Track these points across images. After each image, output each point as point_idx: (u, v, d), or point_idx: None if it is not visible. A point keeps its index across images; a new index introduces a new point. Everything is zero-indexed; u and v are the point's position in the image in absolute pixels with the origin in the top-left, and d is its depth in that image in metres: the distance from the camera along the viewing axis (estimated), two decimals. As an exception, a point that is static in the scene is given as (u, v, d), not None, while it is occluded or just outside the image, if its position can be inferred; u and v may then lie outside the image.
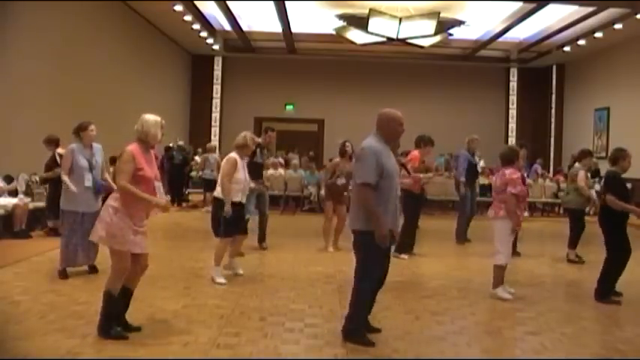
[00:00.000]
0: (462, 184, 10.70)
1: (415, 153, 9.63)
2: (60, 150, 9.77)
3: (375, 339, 4.95)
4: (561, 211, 14.65)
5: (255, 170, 8.96)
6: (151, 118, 5.00)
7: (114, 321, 4.82)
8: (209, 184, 15.17)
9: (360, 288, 4.93)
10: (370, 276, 4.92)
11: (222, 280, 7.00)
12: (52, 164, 9.84)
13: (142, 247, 4.87)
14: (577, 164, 9.75)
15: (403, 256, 8.97)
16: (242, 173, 7.23)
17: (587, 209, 9.89)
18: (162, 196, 5.06)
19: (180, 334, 4.94)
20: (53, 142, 9.83)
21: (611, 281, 6.78)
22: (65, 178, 7.09)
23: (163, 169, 15.26)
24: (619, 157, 6.95)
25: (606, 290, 6.75)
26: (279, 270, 7.93)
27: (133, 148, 4.89)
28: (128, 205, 4.80)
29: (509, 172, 6.84)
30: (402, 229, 9.02)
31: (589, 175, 10.21)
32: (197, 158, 18.23)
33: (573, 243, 9.31)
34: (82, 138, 7.18)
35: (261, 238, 9.65)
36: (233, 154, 7.28)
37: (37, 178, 10.15)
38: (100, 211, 5.02)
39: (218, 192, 7.21)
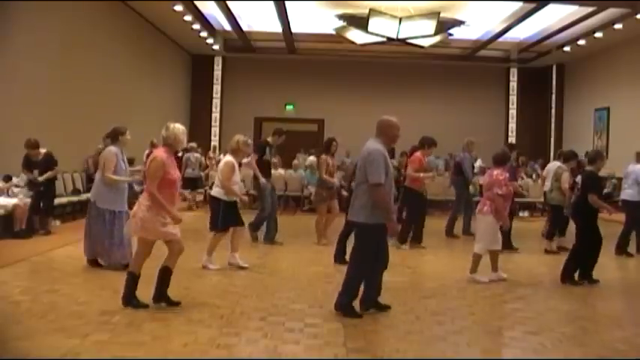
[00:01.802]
0: (473, 185, 11.27)
1: (418, 154, 9.70)
2: (42, 150, 10.03)
3: (375, 339, 4.99)
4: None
5: (266, 168, 9.76)
6: (180, 126, 5.67)
7: (134, 295, 5.56)
8: (190, 183, 15.18)
9: (358, 271, 5.58)
10: (366, 262, 5.56)
11: (216, 266, 7.56)
12: (49, 165, 10.07)
13: (172, 234, 5.55)
14: (556, 162, 10.12)
15: (404, 246, 9.57)
16: (237, 175, 7.74)
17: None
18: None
19: (179, 334, 4.94)
20: (36, 145, 9.99)
21: (578, 264, 7.31)
22: (115, 177, 7.28)
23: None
24: (597, 158, 7.56)
25: (571, 272, 7.28)
26: (279, 270, 7.94)
27: (161, 154, 5.52)
28: (156, 203, 5.45)
29: (496, 173, 7.24)
30: (403, 222, 9.44)
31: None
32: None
33: (552, 235, 9.77)
34: (121, 142, 7.46)
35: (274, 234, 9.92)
36: (230, 158, 7.77)
37: (36, 178, 10.10)
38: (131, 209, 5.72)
39: (216, 192, 7.72)
